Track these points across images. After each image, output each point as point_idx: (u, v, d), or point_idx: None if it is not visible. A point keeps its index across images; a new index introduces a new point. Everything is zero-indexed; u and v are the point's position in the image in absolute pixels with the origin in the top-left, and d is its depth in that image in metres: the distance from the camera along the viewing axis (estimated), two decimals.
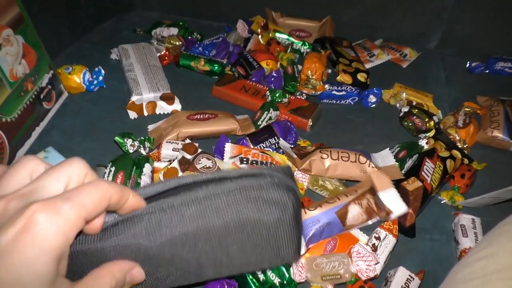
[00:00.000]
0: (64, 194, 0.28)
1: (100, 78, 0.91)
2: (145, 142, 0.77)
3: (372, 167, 0.72)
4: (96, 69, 0.92)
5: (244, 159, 0.71)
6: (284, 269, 0.58)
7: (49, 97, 0.84)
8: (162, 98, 0.89)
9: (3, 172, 0.30)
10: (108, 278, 0.30)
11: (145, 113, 0.89)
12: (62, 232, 0.26)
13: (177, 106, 0.90)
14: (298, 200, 0.36)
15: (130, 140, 0.76)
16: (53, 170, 0.29)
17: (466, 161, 0.78)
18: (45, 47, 0.83)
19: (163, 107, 0.89)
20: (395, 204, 0.65)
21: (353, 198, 0.65)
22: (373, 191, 0.67)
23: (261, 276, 0.56)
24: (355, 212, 0.64)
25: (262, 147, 0.77)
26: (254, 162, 0.71)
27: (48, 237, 0.26)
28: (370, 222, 0.66)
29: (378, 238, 0.62)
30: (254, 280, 0.56)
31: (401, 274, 0.59)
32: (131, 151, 0.76)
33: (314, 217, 0.63)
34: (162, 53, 1.02)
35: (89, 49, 1.08)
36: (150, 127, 0.84)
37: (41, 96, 0.81)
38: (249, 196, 0.34)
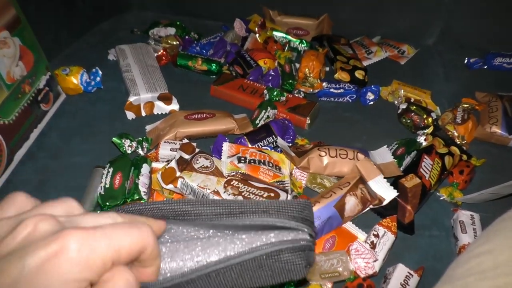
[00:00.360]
0: (105, 229, 0.26)
1: (98, 79, 0.91)
2: (143, 143, 0.77)
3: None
4: (94, 70, 0.92)
5: (242, 158, 0.71)
6: None
7: (47, 99, 0.84)
8: (160, 98, 0.89)
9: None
10: None
11: (143, 114, 0.89)
12: (89, 268, 0.25)
13: (175, 106, 0.90)
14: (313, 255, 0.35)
15: (128, 140, 0.76)
16: (101, 214, 0.28)
17: (464, 157, 0.78)
18: (42, 48, 0.83)
19: (161, 107, 0.89)
20: (385, 191, 0.67)
21: (348, 190, 0.66)
22: (362, 181, 0.68)
23: None
24: (352, 203, 0.65)
25: (260, 146, 0.77)
26: (252, 161, 0.71)
27: (75, 268, 0.24)
28: (364, 211, 0.68)
29: (376, 236, 0.62)
30: None
31: (400, 271, 0.59)
32: (129, 151, 0.76)
33: (314, 214, 0.63)
34: (160, 53, 1.02)
35: (86, 50, 1.08)
36: (148, 127, 0.84)
37: (39, 98, 0.81)
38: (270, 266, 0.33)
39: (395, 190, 0.67)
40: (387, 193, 0.67)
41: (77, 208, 0.29)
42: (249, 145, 0.76)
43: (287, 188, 0.69)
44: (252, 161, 0.71)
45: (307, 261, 0.33)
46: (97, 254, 0.25)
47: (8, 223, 0.26)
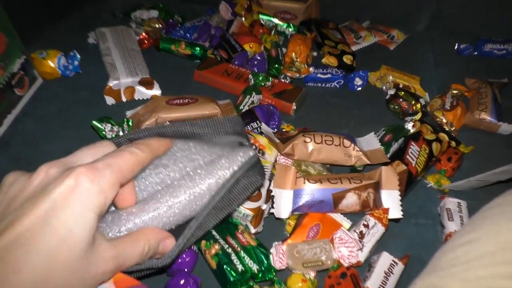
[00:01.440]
0: (104, 160, 0.33)
1: (76, 63, 0.88)
2: (124, 125, 0.75)
3: (357, 150, 0.70)
4: (72, 53, 0.89)
5: None
6: (263, 256, 0.56)
7: (22, 84, 0.81)
8: (141, 83, 0.86)
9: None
10: (143, 242, 0.35)
11: (123, 99, 0.86)
12: (103, 193, 0.32)
13: (156, 91, 0.87)
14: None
15: (109, 125, 0.73)
16: (88, 146, 0.36)
17: (453, 144, 0.76)
18: (20, 32, 0.79)
19: (142, 92, 0.86)
20: (393, 208, 0.64)
21: (356, 187, 0.63)
22: (377, 186, 0.65)
23: (240, 267, 0.54)
24: (351, 201, 0.63)
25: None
26: None
27: (92, 196, 0.31)
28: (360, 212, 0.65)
29: (366, 226, 0.61)
30: (232, 271, 0.54)
31: (385, 259, 0.57)
32: (108, 136, 0.73)
33: (311, 190, 0.62)
34: (141, 36, 0.98)
35: (67, 34, 1.04)
36: (129, 113, 0.81)
37: (13, 83, 0.78)
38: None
39: (402, 213, 0.64)
40: (393, 210, 0.64)
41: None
42: None
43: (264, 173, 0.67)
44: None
45: (259, 172, 0.44)
46: (106, 180, 0.32)
47: (23, 179, 0.33)
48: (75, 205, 0.30)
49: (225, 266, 0.54)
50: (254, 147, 0.47)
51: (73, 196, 0.30)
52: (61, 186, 0.30)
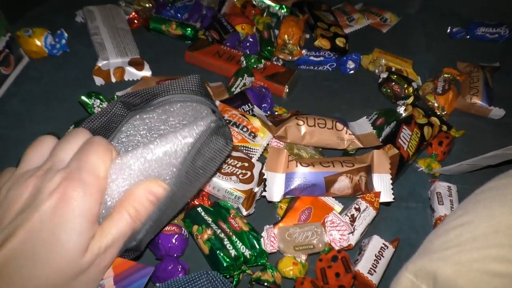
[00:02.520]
0: (78, 164, 0.33)
1: (63, 41, 0.86)
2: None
3: (350, 134, 0.70)
4: (59, 32, 0.86)
5: None
6: (255, 241, 0.56)
7: (7, 62, 0.79)
8: (131, 63, 0.84)
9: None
10: (125, 210, 0.35)
11: (113, 80, 0.84)
12: (89, 195, 0.32)
13: (147, 72, 0.85)
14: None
15: (98, 101, 0.71)
16: (64, 142, 0.35)
17: (444, 128, 0.76)
18: (3, 8, 0.76)
19: (132, 73, 0.84)
20: (384, 191, 0.64)
21: (348, 170, 0.63)
22: (369, 170, 0.65)
23: (233, 252, 0.54)
24: (343, 184, 0.63)
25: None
26: (227, 121, 0.69)
27: (80, 203, 0.31)
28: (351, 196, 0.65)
29: (357, 209, 0.61)
30: (225, 256, 0.53)
31: (375, 242, 0.58)
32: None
33: (303, 173, 0.62)
34: (131, 15, 0.96)
35: (52, 12, 1.01)
36: (119, 94, 0.80)
37: None
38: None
39: (393, 196, 0.64)
40: (384, 194, 0.64)
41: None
42: None
43: (251, 156, 0.66)
44: (226, 121, 0.68)
45: (225, 137, 0.40)
46: (86, 184, 0.32)
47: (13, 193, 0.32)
48: (64, 214, 0.31)
49: (218, 252, 0.54)
50: (219, 115, 0.42)
51: (62, 207, 0.31)
52: (50, 200, 0.31)
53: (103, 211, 0.36)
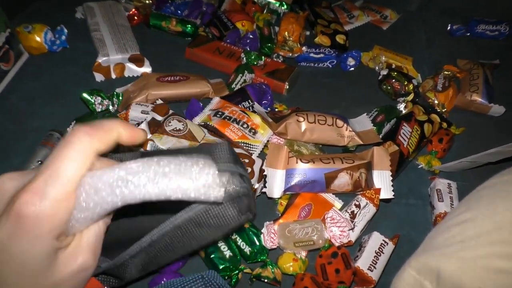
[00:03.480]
0: (44, 174, 0.27)
1: (63, 37, 0.85)
2: (114, 99, 0.73)
3: (350, 130, 0.70)
4: (59, 28, 0.86)
5: (219, 113, 0.70)
6: (255, 237, 0.56)
7: (7, 58, 0.78)
8: (131, 59, 0.84)
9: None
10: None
11: (113, 76, 0.84)
12: (51, 211, 0.27)
13: (147, 68, 0.85)
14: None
15: (99, 98, 0.72)
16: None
17: (444, 125, 0.76)
18: (3, 4, 0.76)
19: (132, 69, 0.84)
20: (384, 188, 0.64)
21: (348, 167, 0.63)
22: (369, 166, 0.65)
23: (227, 253, 0.54)
24: (343, 181, 0.63)
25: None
26: (227, 117, 0.69)
27: (39, 223, 0.27)
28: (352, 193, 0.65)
29: (358, 206, 0.61)
30: (220, 260, 0.54)
31: (375, 239, 0.58)
32: (98, 110, 0.72)
33: (304, 170, 0.62)
34: (131, 12, 0.95)
35: (52, 8, 1.01)
36: (119, 90, 0.80)
37: None
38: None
39: (393, 193, 0.64)
40: (384, 191, 0.64)
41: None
42: None
43: (251, 152, 0.66)
44: (227, 117, 0.69)
45: (239, 208, 0.34)
46: (50, 199, 0.27)
47: None
48: (21, 239, 0.27)
49: (212, 256, 0.54)
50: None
51: (18, 231, 0.27)
52: (5, 225, 0.27)
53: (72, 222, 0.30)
